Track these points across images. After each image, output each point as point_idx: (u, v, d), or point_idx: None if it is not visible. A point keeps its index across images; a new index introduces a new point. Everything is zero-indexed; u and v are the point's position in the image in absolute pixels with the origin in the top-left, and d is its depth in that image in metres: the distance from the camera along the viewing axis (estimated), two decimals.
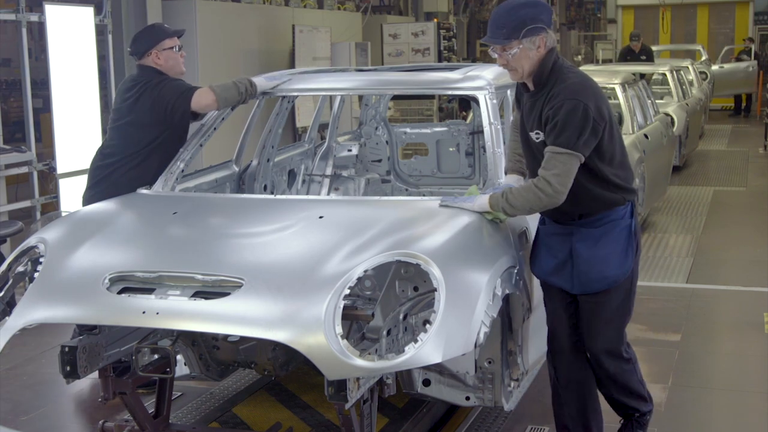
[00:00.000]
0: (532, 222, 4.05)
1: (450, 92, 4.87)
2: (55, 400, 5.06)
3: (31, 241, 3.86)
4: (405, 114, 13.64)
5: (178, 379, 4.30)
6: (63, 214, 6.89)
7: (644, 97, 9.73)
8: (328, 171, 6.32)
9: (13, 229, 6.21)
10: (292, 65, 11.89)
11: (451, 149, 6.74)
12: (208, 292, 3.37)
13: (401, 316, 3.49)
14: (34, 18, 7.59)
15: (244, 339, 3.92)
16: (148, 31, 4.95)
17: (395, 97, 10.95)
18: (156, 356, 3.96)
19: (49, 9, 7.51)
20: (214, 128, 4.84)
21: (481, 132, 5.56)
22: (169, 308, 3.31)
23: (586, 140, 3.57)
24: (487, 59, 4.17)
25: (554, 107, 3.59)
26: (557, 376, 4.02)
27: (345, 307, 3.23)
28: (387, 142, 6.78)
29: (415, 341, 3.17)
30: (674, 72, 13.35)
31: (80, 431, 4.78)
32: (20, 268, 3.82)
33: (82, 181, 5.07)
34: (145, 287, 3.45)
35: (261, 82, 4.82)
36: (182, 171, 4.63)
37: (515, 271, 3.71)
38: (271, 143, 5.45)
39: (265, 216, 3.95)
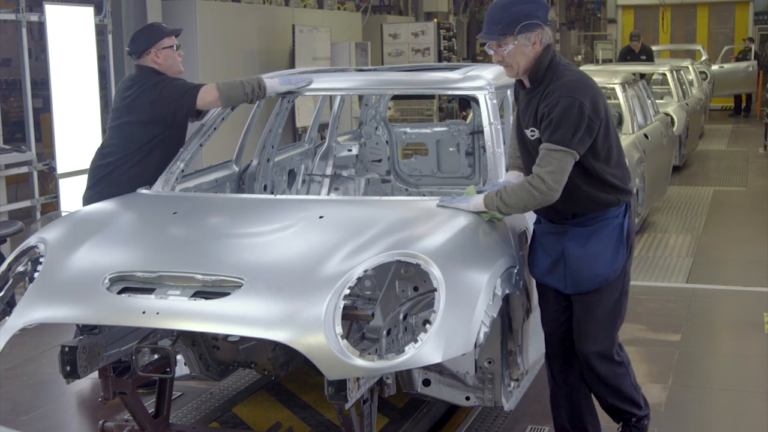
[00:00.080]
0: (531, 222, 4.05)
1: (450, 92, 4.87)
2: (55, 400, 5.06)
3: (31, 241, 3.86)
4: (405, 114, 13.64)
5: (178, 379, 4.30)
6: (63, 214, 6.89)
7: (644, 97, 9.73)
8: (328, 171, 6.32)
9: (13, 229, 6.21)
10: (292, 65, 11.89)
11: (451, 149, 6.74)
12: (208, 292, 3.37)
13: (401, 316, 3.49)
14: (34, 18, 7.59)
15: (244, 339, 3.92)
16: (147, 30, 4.95)
17: (395, 97, 10.95)
18: (156, 356, 3.96)
19: (49, 9, 7.51)
20: (214, 128, 4.84)
21: (481, 132, 5.57)
22: (169, 308, 3.31)
23: (581, 138, 3.54)
24: (487, 59, 4.15)
25: (549, 104, 3.57)
26: (553, 379, 4.02)
27: (345, 307, 3.23)
28: (387, 142, 6.78)
29: (415, 341, 3.17)
30: (674, 72, 13.35)
31: (80, 431, 4.78)
32: (20, 268, 3.82)
33: (82, 181, 5.08)
34: (145, 287, 3.45)
35: (274, 84, 4.72)
36: (182, 171, 4.63)
37: (515, 271, 3.71)
38: (271, 143, 5.45)
39: (265, 216, 3.95)
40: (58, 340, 4.11)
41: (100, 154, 4.84)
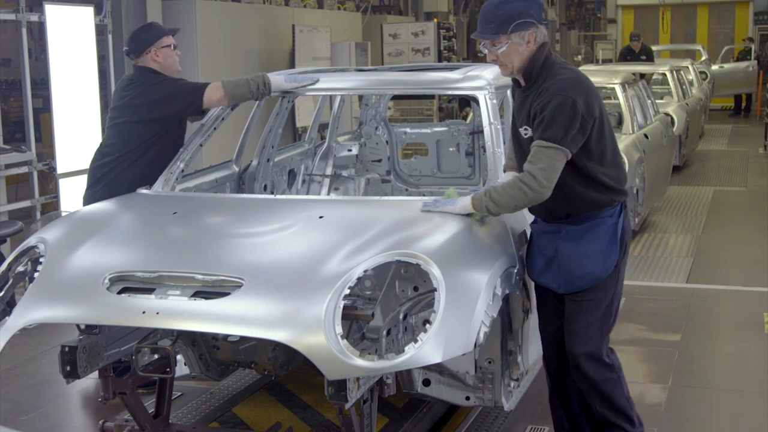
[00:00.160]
0: (530, 222, 4.04)
1: (450, 92, 4.87)
2: (55, 400, 5.06)
3: (31, 241, 3.86)
4: (405, 114, 13.64)
5: (178, 379, 4.30)
6: (63, 214, 6.89)
7: (644, 97, 9.74)
8: (328, 171, 6.32)
9: (13, 229, 6.21)
10: (292, 65, 11.89)
11: (451, 149, 6.74)
12: (208, 292, 3.37)
13: (401, 316, 3.49)
14: (34, 18, 7.59)
15: (244, 339, 3.92)
16: (145, 29, 4.96)
17: (395, 97, 10.95)
18: (156, 356, 3.96)
19: (49, 9, 7.51)
20: (214, 128, 4.84)
21: (481, 132, 5.56)
22: (169, 308, 3.31)
23: (573, 136, 3.51)
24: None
25: (542, 102, 3.54)
26: (551, 381, 4.01)
27: (345, 307, 3.23)
28: (387, 142, 6.78)
29: (415, 341, 3.17)
30: (674, 72, 13.36)
31: (80, 431, 4.78)
32: (20, 268, 3.82)
33: (82, 181, 5.08)
34: (145, 287, 3.45)
35: (278, 81, 4.72)
36: (182, 171, 4.63)
37: (515, 271, 3.70)
38: (271, 143, 5.45)
39: (265, 216, 3.95)
40: (58, 340, 4.11)
41: (99, 154, 4.85)
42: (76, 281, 3.53)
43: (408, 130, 6.94)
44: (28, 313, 3.46)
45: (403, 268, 3.48)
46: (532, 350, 4.08)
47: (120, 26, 9.23)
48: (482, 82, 4.58)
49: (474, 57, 19.47)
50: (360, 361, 3.10)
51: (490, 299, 3.36)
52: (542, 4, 3.72)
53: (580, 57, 25.51)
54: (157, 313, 3.29)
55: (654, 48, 18.06)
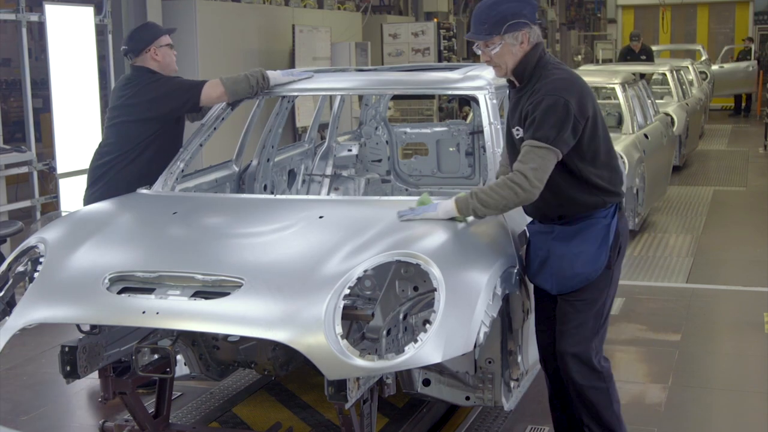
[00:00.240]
0: None
1: (450, 92, 4.87)
2: (55, 400, 5.06)
3: (31, 241, 3.86)
4: (405, 114, 13.64)
5: (178, 379, 4.30)
6: (63, 214, 6.89)
7: (644, 97, 9.74)
8: (328, 171, 6.32)
9: (13, 229, 6.21)
10: (292, 65, 11.89)
11: (451, 149, 6.74)
12: (208, 292, 3.37)
13: (401, 316, 3.49)
14: (34, 18, 7.59)
15: (244, 339, 3.92)
16: (144, 28, 4.98)
17: (395, 97, 10.95)
18: (156, 356, 3.96)
19: (49, 9, 7.51)
20: (214, 128, 4.84)
21: (481, 132, 5.56)
22: (169, 308, 3.31)
23: (565, 137, 3.48)
24: None
25: (534, 102, 3.52)
26: (550, 383, 4.00)
27: (345, 307, 3.23)
28: (387, 142, 6.78)
29: (415, 341, 3.17)
30: (674, 72, 13.36)
31: (80, 431, 4.79)
32: (20, 268, 3.82)
33: (82, 181, 5.08)
34: (145, 287, 3.45)
35: (276, 75, 4.74)
36: (182, 171, 4.63)
37: (515, 270, 3.70)
38: (271, 143, 5.45)
39: (265, 216, 3.95)
40: (58, 340, 4.11)
41: (98, 154, 4.86)
42: (76, 281, 3.53)
43: (408, 130, 6.94)
44: (28, 313, 3.46)
45: (403, 268, 3.48)
46: (532, 350, 4.08)
47: (120, 26, 9.23)
48: (482, 82, 4.58)
49: (474, 57, 19.46)
50: (360, 361, 3.10)
51: (490, 299, 3.36)
52: (536, 4, 3.70)
53: (580, 57, 25.51)
54: (157, 313, 3.29)
55: (654, 48, 18.06)
